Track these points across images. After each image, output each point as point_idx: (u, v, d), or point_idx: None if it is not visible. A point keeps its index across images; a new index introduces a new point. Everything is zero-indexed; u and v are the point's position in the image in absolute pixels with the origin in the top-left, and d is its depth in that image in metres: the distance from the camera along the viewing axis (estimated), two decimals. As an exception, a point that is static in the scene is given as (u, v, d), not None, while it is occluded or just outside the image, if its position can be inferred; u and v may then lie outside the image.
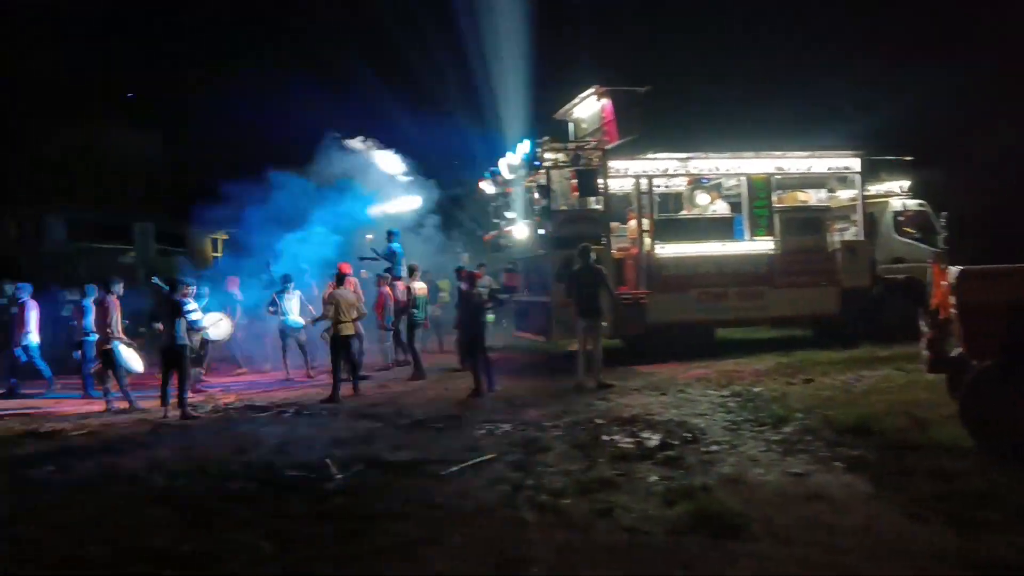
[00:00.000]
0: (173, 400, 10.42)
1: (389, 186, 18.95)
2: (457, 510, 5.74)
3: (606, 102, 14.69)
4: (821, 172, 14.78)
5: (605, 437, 7.83)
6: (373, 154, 19.24)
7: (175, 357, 10.46)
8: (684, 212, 15.06)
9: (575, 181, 13.64)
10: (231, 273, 15.32)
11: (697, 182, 15.15)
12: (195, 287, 11.55)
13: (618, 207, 14.58)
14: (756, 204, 14.01)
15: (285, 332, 13.84)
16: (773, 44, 25.29)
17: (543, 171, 13.66)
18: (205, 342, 12.88)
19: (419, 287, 13.81)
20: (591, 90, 14.91)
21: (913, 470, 6.02)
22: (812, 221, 14.36)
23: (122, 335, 11.30)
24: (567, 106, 16.11)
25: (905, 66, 21.82)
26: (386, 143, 19.65)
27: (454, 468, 6.86)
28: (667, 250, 13.56)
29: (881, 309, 13.75)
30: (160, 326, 10.74)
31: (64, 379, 13.16)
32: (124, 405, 11.17)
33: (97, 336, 11.60)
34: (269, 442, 8.52)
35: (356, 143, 19.05)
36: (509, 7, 20.61)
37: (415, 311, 13.59)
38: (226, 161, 20.95)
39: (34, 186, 24.02)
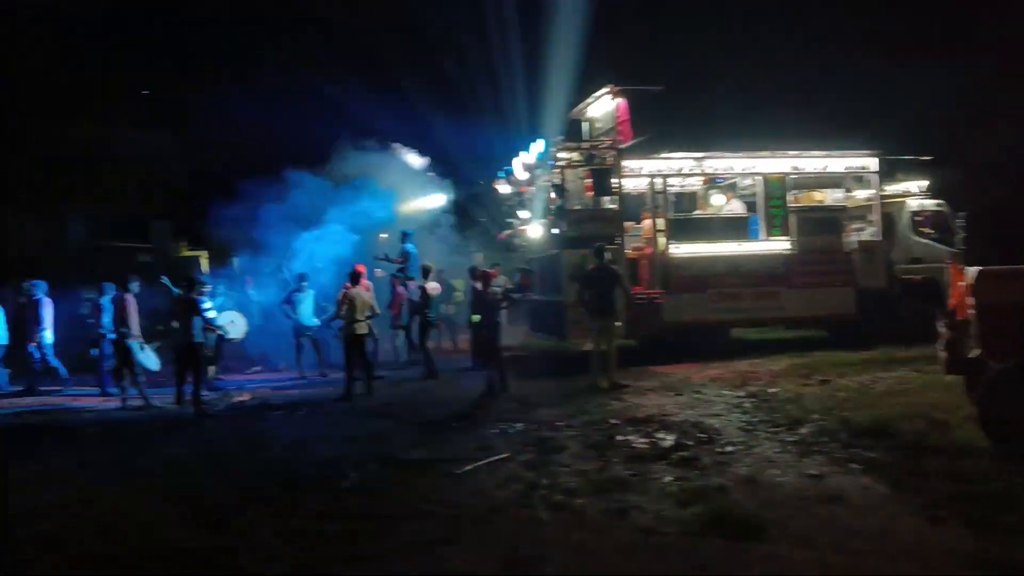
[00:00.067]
0: (188, 398, 10.49)
1: (407, 185, 18.99)
2: (472, 509, 5.75)
3: (621, 101, 14.65)
4: (837, 172, 14.67)
5: (619, 437, 7.82)
6: (391, 153, 19.29)
7: (191, 355, 10.54)
8: (699, 212, 15.00)
9: (589, 180, 13.62)
10: (248, 272, 15.41)
11: (712, 181, 15.09)
12: (211, 286, 11.63)
13: (632, 206, 14.53)
14: (772, 204, 13.93)
15: (299, 331, 13.90)
16: (786, 43, 25.16)
17: (557, 170, 13.64)
18: (221, 341, 12.96)
19: (432, 287, 13.84)
20: (606, 89, 14.86)
21: (930, 472, 5.97)
22: (828, 221, 14.27)
23: (139, 333, 11.40)
24: (581, 105, 16.08)
25: (921, 64, 21.66)
26: (402, 142, 19.71)
27: (468, 467, 6.87)
28: (682, 250, 13.51)
29: (898, 310, 13.64)
30: (176, 324, 10.81)
31: (81, 376, 13.26)
32: (140, 403, 11.26)
33: (114, 334, 11.70)
34: (283, 440, 8.57)
35: (373, 142, 19.10)
36: (522, 6, 20.63)
37: (428, 311, 13.62)
38: (243, 160, 21.05)
39: (53, 185, 24.23)
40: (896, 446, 6.81)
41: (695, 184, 15.40)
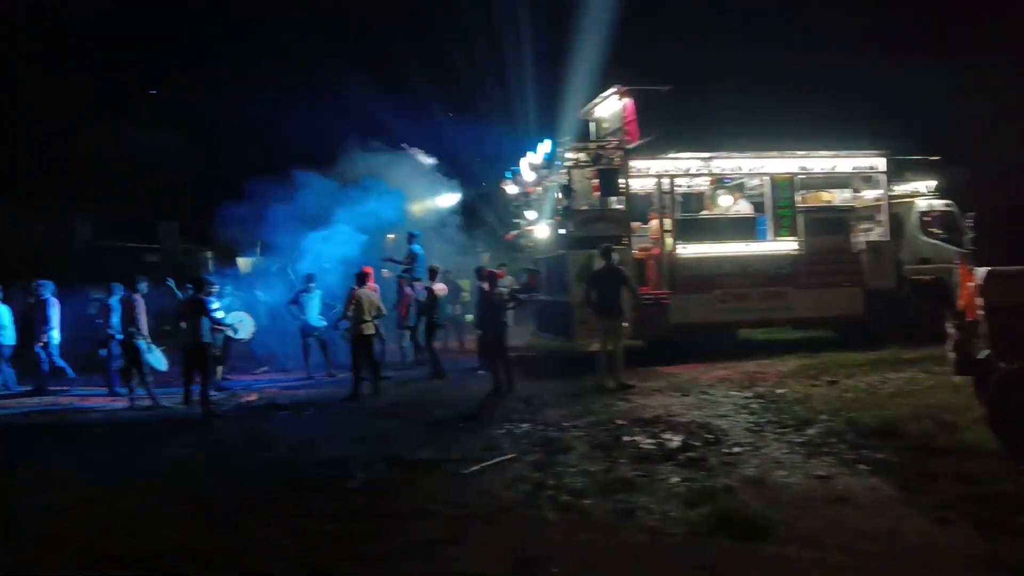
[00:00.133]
0: (196, 398, 10.52)
1: (416, 185, 19.01)
2: (478, 509, 5.74)
3: (628, 101, 14.64)
4: (845, 172, 14.63)
5: (626, 438, 7.80)
6: (399, 153, 19.33)
7: (198, 355, 10.57)
8: (706, 212, 14.98)
9: (596, 181, 13.60)
10: (256, 272, 15.44)
11: (720, 182, 15.06)
12: (219, 286, 11.66)
13: (640, 207, 14.52)
14: (779, 204, 13.90)
15: (307, 331, 13.92)
16: (794, 42, 25.10)
17: (564, 171, 13.64)
18: (228, 341, 12.98)
19: (439, 288, 13.84)
20: (613, 89, 14.86)
21: (939, 473, 5.94)
22: (836, 221, 14.22)
23: (146, 334, 11.43)
24: (588, 105, 16.08)
25: (930, 64, 21.59)
26: (410, 142, 19.76)
27: (475, 467, 6.87)
28: (689, 250, 13.48)
29: (907, 311, 13.59)
30: (184, 325, 10.84)
31: (89, 376, 13.31)
32: (148, 403, 11.29)
33: (122, 334, 11.74)
34: (291, 440, 8.59)
35: (381, 143, 19.14)
36: (531, 7, 20.63)
37: (435, 312, 13.62)
38: (251, 160, 21.13)
39: (61, 185, 24.33)
40: (905, 447, 6.78)
41: (702, 184, 15.38)
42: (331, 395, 11.75)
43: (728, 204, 14.66)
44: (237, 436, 9.18)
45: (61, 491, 6.81)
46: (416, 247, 15.33)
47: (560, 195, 13.83)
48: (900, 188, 15.09)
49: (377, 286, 13.17)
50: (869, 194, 15.14)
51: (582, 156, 13.68)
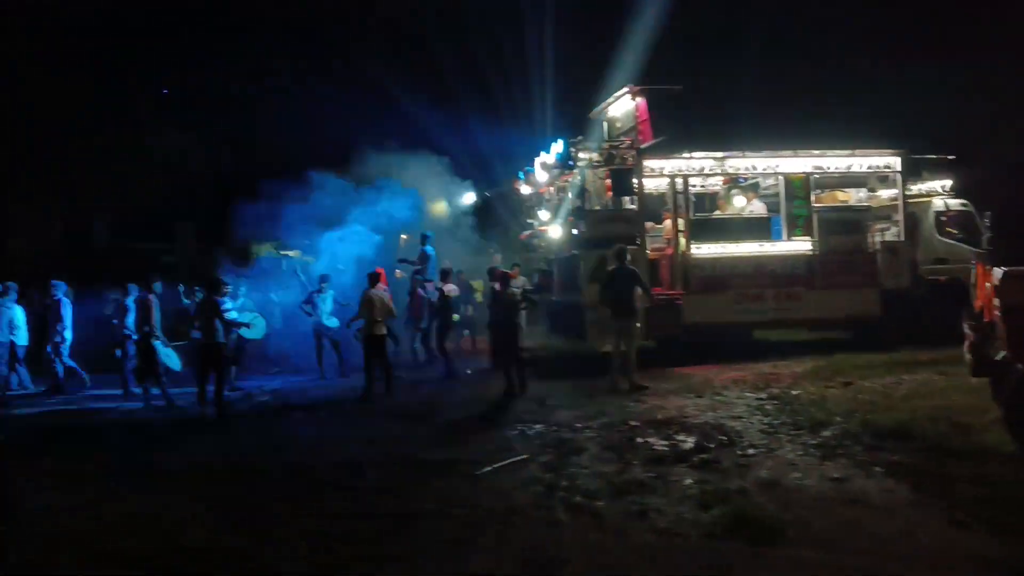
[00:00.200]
0: (211, 398, 10.58)
1: (431, 185, 19.06)
2: (491, 510, 5.75)
3: (640, 101, 14.59)
4: (861, 171, 14.52)
5: (639, 439, 7.79)
6: (413, 153, 19.38)
7: (213, 356, 10.62)
8: (720, 212, 14.91)
9: (609, 181, 13.57)
10: (270, 273, 15.53)
11: (734, 181, 15.00)
12: (232, 287, 11.73)
13: (653, 207, 14.47)
14: (794, 204, 13.82)
15: (320, 332, 13.96)
16: (808, 40, 24.93)
17: (577, 171, 13.62)
18: (242, 341, 13.05)
19: (450, 289, 13.86)
20: (625, 89, 14.81)
21: (955, 475, 5.90)
22: (852, 221, 14.11)
23: (161, 334, 11.52)
24: (601, 105, 16.04)
25: (947, 62, 21.41)
26: (423, 143, 19.79)
27: (488, 468, 6.88)
28: (703, 250, 13.43)
29: (923, 311, 13.48)
30: (198, 326, 10.90)
31: (103, 377, 13.40)
32: (163, 403, 11.37)
33: (138, 335, 11.82)
34: (304, 441, 8.63)
35: (395, 143, 19.19)
36: (544, 7, 20.62)
37: (448, 313, 13.64)
38: (266, 162, 21.22)
39: (77, 186, 24.51)
40: (920, 449, 6.73)
41: (716, 184, 15.33)
42: (344, 396, 11.79)
43: (742, 204, 14.59)
44: (251, 436, 9.24)
45: (75, 490, 6.86)
46: (428, 248, 15.35)
47: (573, 195, 13.81)
48: (916, 187, 14.97)
49: (387, 287, 13.20)
50: (885, 194, 15.03)
51: (595, 156, 13.65)
